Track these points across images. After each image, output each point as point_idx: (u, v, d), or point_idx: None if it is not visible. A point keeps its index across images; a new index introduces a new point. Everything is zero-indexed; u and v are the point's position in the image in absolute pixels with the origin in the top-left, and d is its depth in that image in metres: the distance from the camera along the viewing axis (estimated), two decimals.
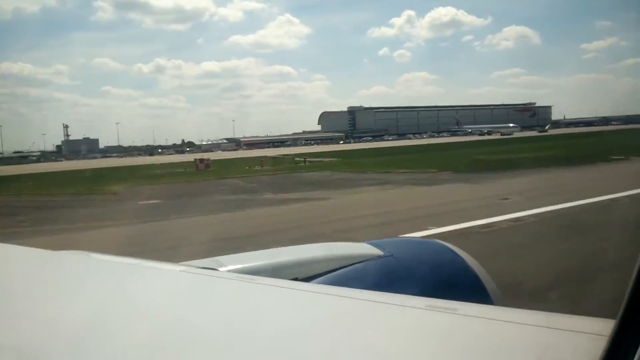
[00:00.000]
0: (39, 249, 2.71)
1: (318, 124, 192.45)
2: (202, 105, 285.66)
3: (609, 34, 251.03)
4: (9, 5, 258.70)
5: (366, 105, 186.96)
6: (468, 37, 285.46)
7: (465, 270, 2.14)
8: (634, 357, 0.78)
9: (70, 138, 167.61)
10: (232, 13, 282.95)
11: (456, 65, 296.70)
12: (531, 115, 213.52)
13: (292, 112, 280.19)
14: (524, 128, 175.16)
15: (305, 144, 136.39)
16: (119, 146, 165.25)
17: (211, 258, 2.10)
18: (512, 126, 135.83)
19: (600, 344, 0.84)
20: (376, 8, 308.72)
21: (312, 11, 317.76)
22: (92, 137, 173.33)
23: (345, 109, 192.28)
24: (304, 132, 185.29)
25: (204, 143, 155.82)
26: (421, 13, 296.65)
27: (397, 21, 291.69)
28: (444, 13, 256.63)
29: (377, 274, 2.09)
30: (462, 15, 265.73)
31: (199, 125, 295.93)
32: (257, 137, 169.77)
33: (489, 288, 2.09)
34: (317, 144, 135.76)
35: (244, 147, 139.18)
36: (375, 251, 2.21)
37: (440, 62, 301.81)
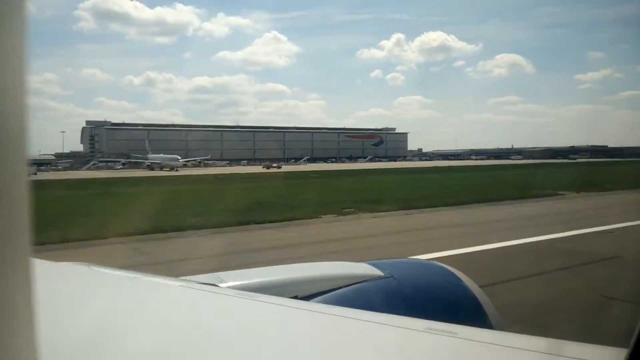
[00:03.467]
0: (40, 260, 2.62)
1: (81, 142, 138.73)
2: (198, 120, 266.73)
3: (602, 66, 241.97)
4: None
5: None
6: (460, 63, 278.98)
7: (465, 293, 2.15)
8: None
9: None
10: (217, 28, 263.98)
11: (451, 90, 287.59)
12: (376, 143, 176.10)
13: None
14: (374, 159, 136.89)
15: None
16: None
17: (211, 274, 2.08)
18: (173, 158, 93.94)
19: None
20: (364, 30, 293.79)
21: (299, 30, 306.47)
22: None
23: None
24: (71, 152, 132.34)
25: None
26: (410, 36, 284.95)
27: (387, 44, 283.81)
28: (434, 37, 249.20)
29: (377, 294, 2.09)
30: (452, 41, 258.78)
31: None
32: None
33: (489, 312, 2.09)
34: None
35: None
36: (376, 272, 2.22)
37: (434, 86, 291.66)
